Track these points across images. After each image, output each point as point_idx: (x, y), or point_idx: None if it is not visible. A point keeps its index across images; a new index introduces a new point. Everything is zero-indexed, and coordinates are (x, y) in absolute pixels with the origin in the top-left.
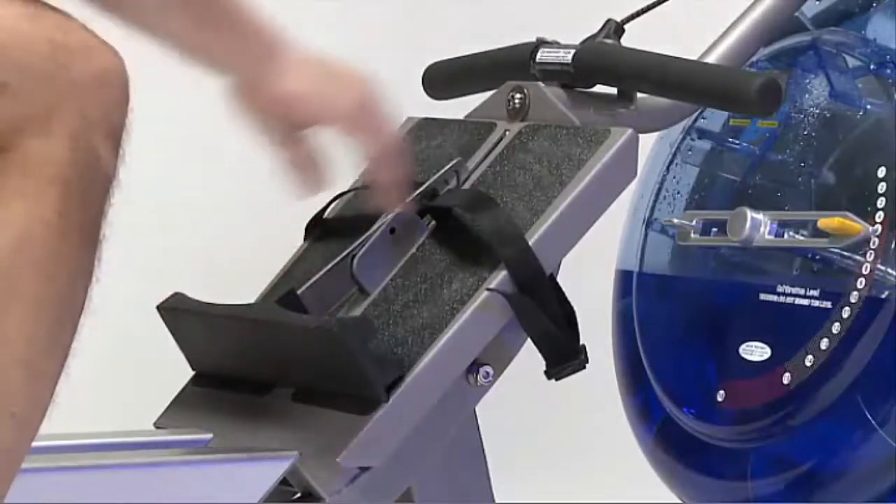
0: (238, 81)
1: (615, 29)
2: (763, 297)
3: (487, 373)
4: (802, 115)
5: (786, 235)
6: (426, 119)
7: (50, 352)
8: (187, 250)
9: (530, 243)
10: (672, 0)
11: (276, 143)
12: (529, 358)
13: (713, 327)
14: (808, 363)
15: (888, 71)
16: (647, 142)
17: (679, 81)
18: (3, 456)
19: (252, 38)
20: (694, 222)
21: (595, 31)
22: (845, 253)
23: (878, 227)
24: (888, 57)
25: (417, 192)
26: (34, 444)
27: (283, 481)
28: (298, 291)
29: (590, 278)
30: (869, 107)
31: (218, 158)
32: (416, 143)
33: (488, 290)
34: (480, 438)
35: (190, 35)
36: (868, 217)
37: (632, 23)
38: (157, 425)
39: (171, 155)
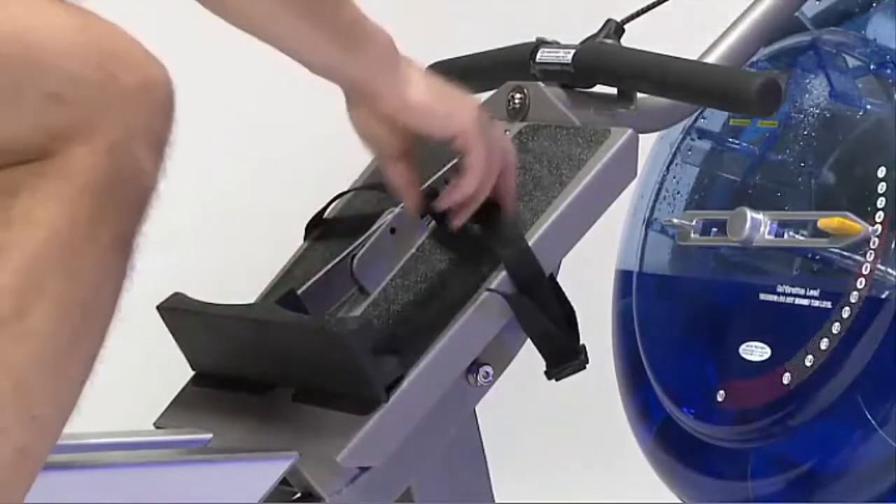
0: (363, 92)
1: (615, 29)
2: (763, 297)
3: (487, 373)
4: (802, 115)
5: (786, 235)
6: None
7: (74, 355)
8: (185, 249)
9: (530, 243)
10: (672, 0)
11: (389, 157)
12: (529, 358)
13: (713, 327)
14: (808, 363)
15: (888, 71)
16: (647, 142)
17: (679, 81)
18: (20, 458)
19: (378, 50)
20: (694, 222)
21: (595, 31)
22: (845, 253)
23: (878, 227)
24: (888, 57)
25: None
26: None
27: (283, 481)
28: (298, 291)
29: (590, 278)
30: (869, 107)
31: (216, 159)
32: (417, 143)
33: (488, 290)
34: (480, 438)
35: (320, 50)
36: (868, 217)
37: (632, 23)
38: (157, 425)
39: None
